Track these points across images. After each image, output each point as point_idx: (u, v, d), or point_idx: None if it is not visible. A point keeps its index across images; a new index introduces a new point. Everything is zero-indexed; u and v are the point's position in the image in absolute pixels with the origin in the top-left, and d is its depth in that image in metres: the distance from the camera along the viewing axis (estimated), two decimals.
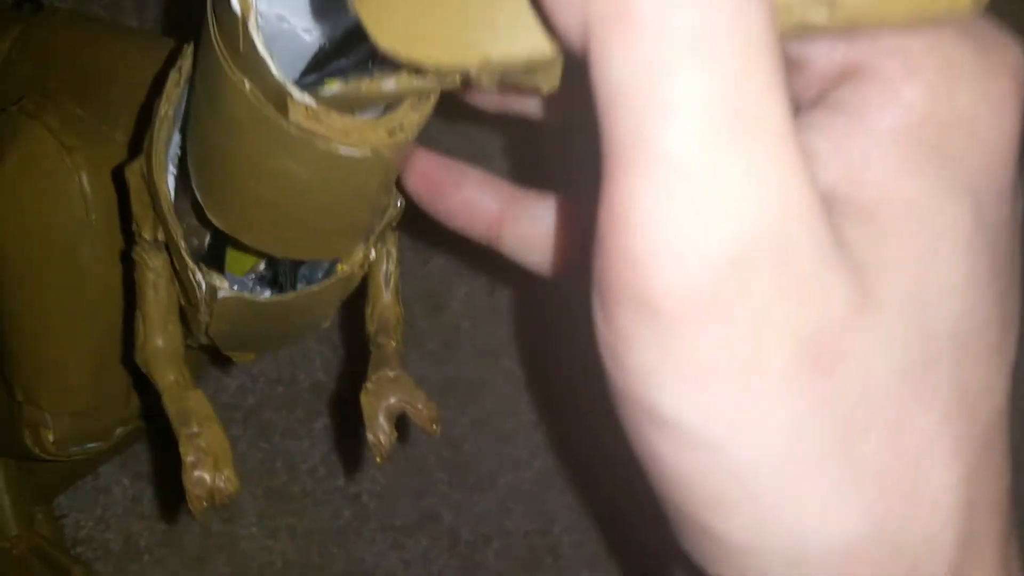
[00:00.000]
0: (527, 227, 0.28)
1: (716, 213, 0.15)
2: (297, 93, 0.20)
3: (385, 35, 0.17)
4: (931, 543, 0.17)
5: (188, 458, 0.25)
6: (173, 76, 0.25)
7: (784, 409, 0.16)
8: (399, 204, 0.27)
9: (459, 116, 0.29)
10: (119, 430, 0.38)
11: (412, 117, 0.21)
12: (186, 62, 0.25)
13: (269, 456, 0.51)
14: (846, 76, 0.18)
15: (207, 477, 0.25)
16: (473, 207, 0.28)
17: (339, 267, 0.26)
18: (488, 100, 0.27)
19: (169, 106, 0.25)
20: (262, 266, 0.28)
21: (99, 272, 0.33)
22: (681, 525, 0.18)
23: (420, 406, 0.27)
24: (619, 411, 0.18)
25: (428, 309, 0.53)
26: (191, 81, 0.25)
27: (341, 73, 0.21)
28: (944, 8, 0.16)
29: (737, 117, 0.14)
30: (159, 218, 0.26)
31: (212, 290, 0.25)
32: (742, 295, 0.15)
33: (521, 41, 0.17)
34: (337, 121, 0.20)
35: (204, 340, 0.28)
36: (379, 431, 0.26)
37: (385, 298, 0.29)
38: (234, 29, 0.20)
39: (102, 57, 0.35)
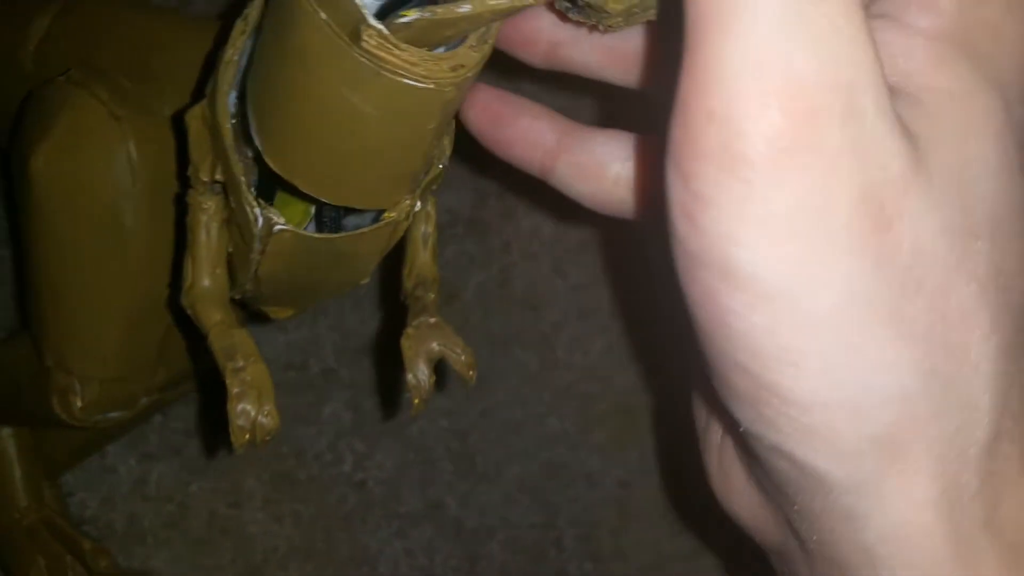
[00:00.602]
0: (581, 157, 0.29)
1: (796, 67, 0.16)
2: (372, 19, 0.21)
3: None
4: (972, 406, 0.18)
5: (234, 390, 0.26)
6: (239, 25, 0.26)
7: (849, 262, 0.17)
8: (443, 164, 0.27)
9: (508, 73, 0.29)
10: (143, 400, 0.38)
11: (473, 56, 0.22)
12: (253, 12, 0.26)
13: (276, 440, 0.50)
14: None
15: (251, 410, 0.26)
16: (530, 137, 0.29)
17: (387, 214, 0.27)
18: (537, 52, 0.28)
19: (235, 52, 0.26)
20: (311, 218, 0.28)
21: (139, 240, 0.34)
22: (744, 392, 0.19)
23: (459, 351, 0.28)
24: (690, 278, 0.18)
25: (440, 299, 0.53)
26: (258, 28, 0.25)
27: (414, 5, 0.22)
28: None
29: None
30: (219, 157, 0.26)
31: (268, 224, 0.26)
32: (816, 146, 0.16)
33: None
34: (406, 53, 0.21)
35: (248, 288, 0.29)
36: (419, 373, 0.28)
37: (423, 256, 0.30)
38: None
39: (147, 34, 0.36)
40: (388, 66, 0.21)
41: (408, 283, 0.30)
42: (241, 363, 0.27)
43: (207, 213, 0.28)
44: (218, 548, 0.49)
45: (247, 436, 0.26)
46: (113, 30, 0.37)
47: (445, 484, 0.53)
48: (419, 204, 0.28)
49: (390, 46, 0.21)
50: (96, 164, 0.34)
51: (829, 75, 0.16)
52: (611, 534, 0.54)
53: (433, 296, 0.29)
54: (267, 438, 0.27)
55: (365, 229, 0.27)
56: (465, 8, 0.20)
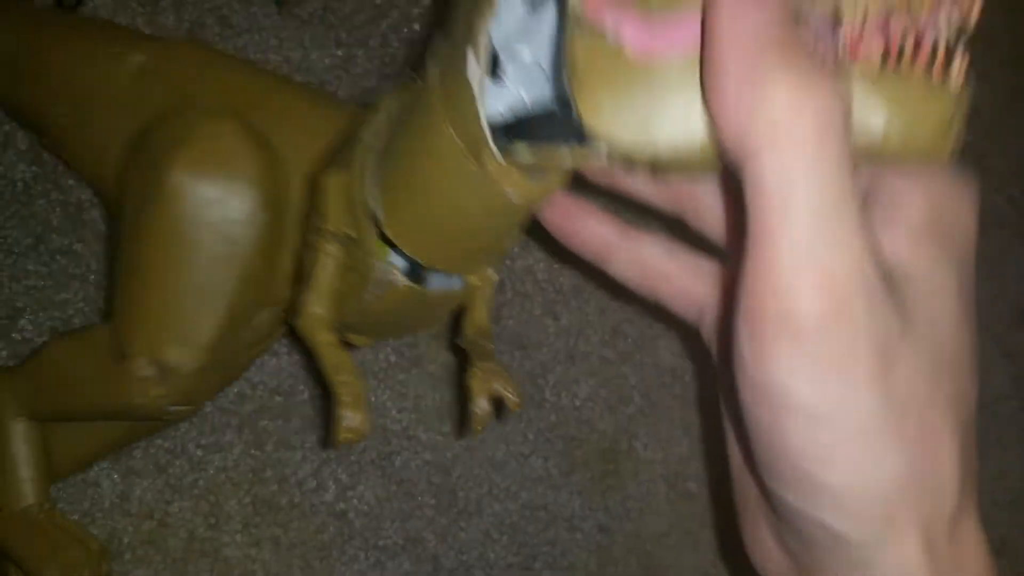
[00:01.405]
0: (633, 254, 0.36)
1: (833, 261, 0.23)
2: (496, 152, 0.27)
3: (591, 113, 0.24)
4: (943, 490, 0.27)
5: (343, 399, 0.33)
6: (380, 115, 0.32)
7: (868, 395, 0.25)
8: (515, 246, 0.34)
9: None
10: (206, 401, 0.44)
11: (557, 182, 0.29)
12: (393, 104, 0.32)
13: (261, 465, 0.51)
14: (874, 181, 0.29)
15: (354, 416, 0.33)
16: (594, 233, 0.36)
17: (470, 278, 0.35)
18: (602, 177, 0.36)
19: (373, 137, 0.32)
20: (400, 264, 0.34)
21: (251, 255, 0.40)
22: (790, 479, 0.27)
23: (512, 392, 0.36)
24: (752, 400, 0.26)
25: (434, 333, 0.54)
26: (395, 119, 0.32)
27: (529, 137, 0.27)
28: (924, 153, 0.25)
29: (836, 207, 0.23)
30: (351, 219, 0.33)
31: (389, 280, 0.33)
32: (846, 316, 0.24)
33: (691, 137, 0.24)
34: (514, 177, 0.28)
35: (351, 320, 0.35)
36: (482, 406, 0.35)
37: (482, 312, 0.37)
38: (462, 98, 0.27)
39: (249, 87, 0.43)
40: (498, 184, 0.28)
41: (468, 331, 0.37)
42: (347, 377, 0.33)
43: (328, 256, 0.34)
44: (195, 569, 0.50)
45: (349, 436, 0.33)
46: (214, 80, 0.43)
47: (425, 519, 0.53)
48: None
49: (504, 171, 0.28)
50: (233, 184, 0.39)
51: (854, 268, 0.24)
52: None
53: (491, 346, 0.37)
54: (362, 440, 0.34)
55: (457, 289, 0.34)
56: (566, 160, 0.27)
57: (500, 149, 0.27)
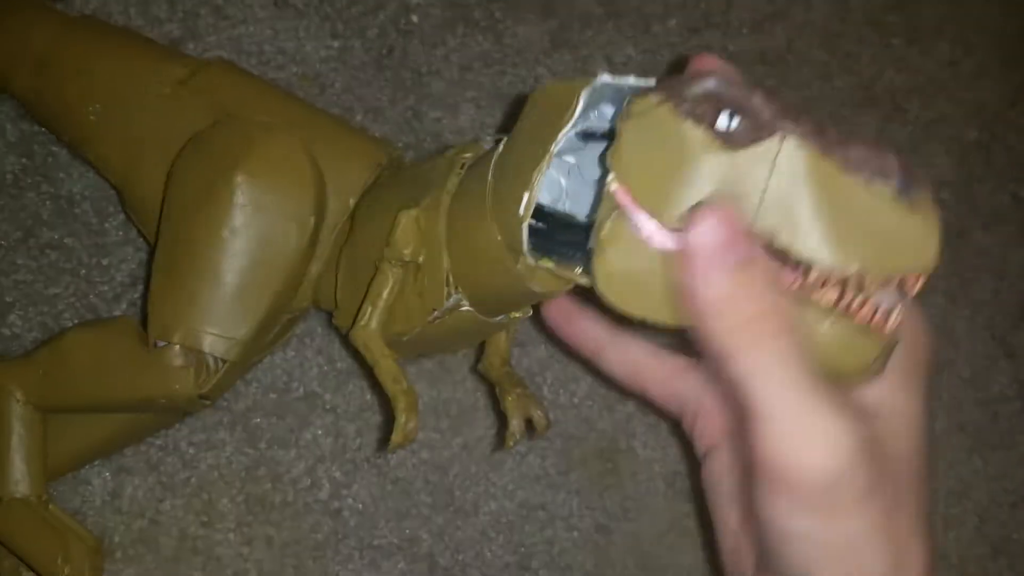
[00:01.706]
0: (622, 354, 0.40)
1: (822, 442, 0.28)
2: (530, 258, 0.32)
3: (603, 280, 0.29)
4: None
5: (401, 405, 0.37)
6: (454, 174, 0.38)
7: (859, 522, 0.29)
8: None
9: None
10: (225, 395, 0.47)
11: (566, 285, 0.34)
12: (467, 157, 0.38)
13: (254, 462, 0.51)
14: None
15: (410, 420, 0.37)
16: (587, 333, 0.40)
17: (512, 314, 0.40)
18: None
19: (444, 194, 0.37)
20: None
21: (295, 259, 0.44)
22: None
23: (542, 416, 0.43)
24: (771, 534, 0.30)
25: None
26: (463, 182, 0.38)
27: (555, 249, 0.32)
28: (855, 374, 0.29)
29: (815, 392, 0.27)
30: (429, 255, 0.38)
31: (457, 304, 0.37)
32: (838, 483, 0.28)
33: (677, 319, 0.29)
34: (539, 275, 0.33)
35: (406, 338, 0.39)
36: (519, 426, 0.42)
37: (506, 342, 0.44)
38: (510, 211, 0.32)
39: (287, 106, 0.47)
40: (525, 278, 0.33)
41: (495, 359, 0.44)
42: (405, 386, 0.38)
43: (393, 277, 0.39)
44: (187, 568, 0.49)
45: (407, 440, 0.38)
46: (254, 98, 0.46)
47: (422, 517, 0.53)
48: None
49: (531, 271, 0.33)
50: (290, 193, 0.43)
51: (843, 445, 0.28)
52: None
53: (517, 374, 0.44)
54: (412, 443, 0.38)
55: (504, 319, 0.40)
56: (582, 281, 0.31)
57: (532, 256, 0.32)
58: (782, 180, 0.27)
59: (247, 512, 0.50)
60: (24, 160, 0.49)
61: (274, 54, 0.54)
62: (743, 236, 0.27)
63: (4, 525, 0.43)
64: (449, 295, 0.37)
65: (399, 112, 0.56)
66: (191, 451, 0.50)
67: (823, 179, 0.26)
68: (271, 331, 0.45)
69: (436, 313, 0.38)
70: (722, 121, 0.27)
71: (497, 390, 0.45)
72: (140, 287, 0.51)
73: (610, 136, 0.29)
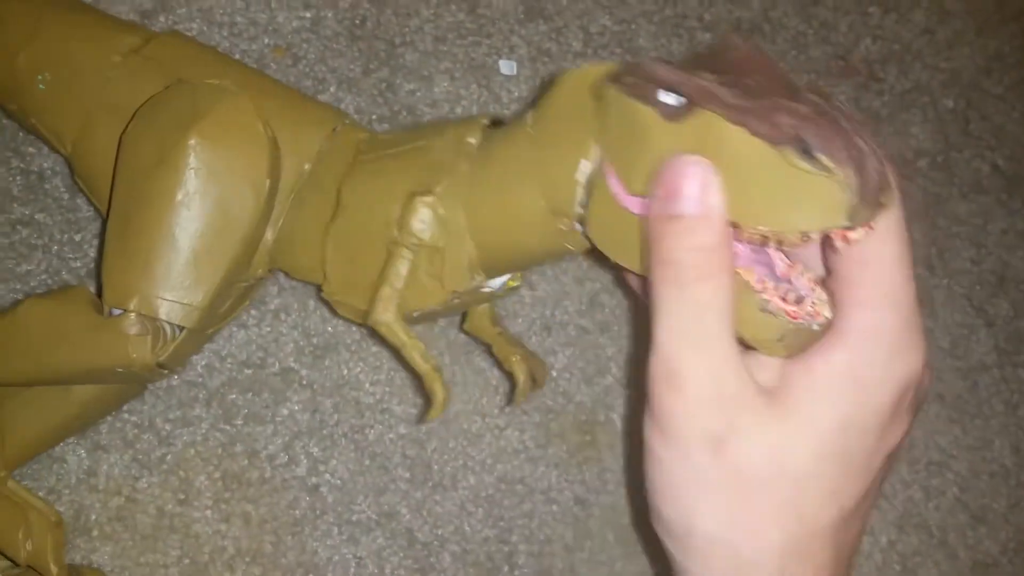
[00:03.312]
0: None
1: (716, 428, 0.32)
2: (576, 223, 0.36)
3: (600, 241, 0.36)
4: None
5: (436, 384, 0.42)
6: (468, 150, 0.41)
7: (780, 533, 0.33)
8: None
9: None
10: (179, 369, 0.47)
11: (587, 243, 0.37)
12: (479, 140, 0.41)
13: (231, 439, 0.52)
14: None
15: (444, 394, 0.42)
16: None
17: (510, 282, 0.44)
18: None
19: (464, 168, 0.41)
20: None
21: (251, 221, 0.44)
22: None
23: (543, 374, 0.50)
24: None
25: None
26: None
27: None
28: (763, 346, 0.32)
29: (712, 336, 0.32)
30: (446, 238, 0.41)
31: (478, 286, 0.42)
32: (726, 442, 0.31)
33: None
34: (578, 237, 0.37)
35: (416, 316, 0.43)
36: (526, 386, 0.48)
37: (492, 303, 0.49)
38: (562, 174, 0.36)
39: (240, 74, 0.48)
40: (565, 240, 0.37)
41: (484, 320, 0.49)
42: (434, 362, 0.42)
43: (408, 261, 0.42)
44: (164, 545, 0.50)
45: (441, 410, 0.42)
46: (206, 66, 0.47)
47: (400, 492, 0.54)
48: None
49: (573, 233, 0.37)
50: (245, 156, 0.44)
51: (722, 408, 0.31)
52: (565, 551, 0.56)
53: (510, 332, 0.50)
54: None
55: (502, 289, 0.44)
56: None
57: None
58: (708, 149, 0.30)
59: (224, 489, 0.51)
60: None
61: (246, 25, 0.55)
62: (688, 203, 0.30)
63: None
64: (472, 278, 0.41)
65: (372, 84, 0.57)
66: (167, 428, 0.51)
67: (737, 145, 0.29)
68: (228, 299, 0.46)
69: (456, 294, 0.42)
70: (664, 98, 0.31)
71: (494, 349, 0.49)
72: None
73: None
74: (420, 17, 0.58)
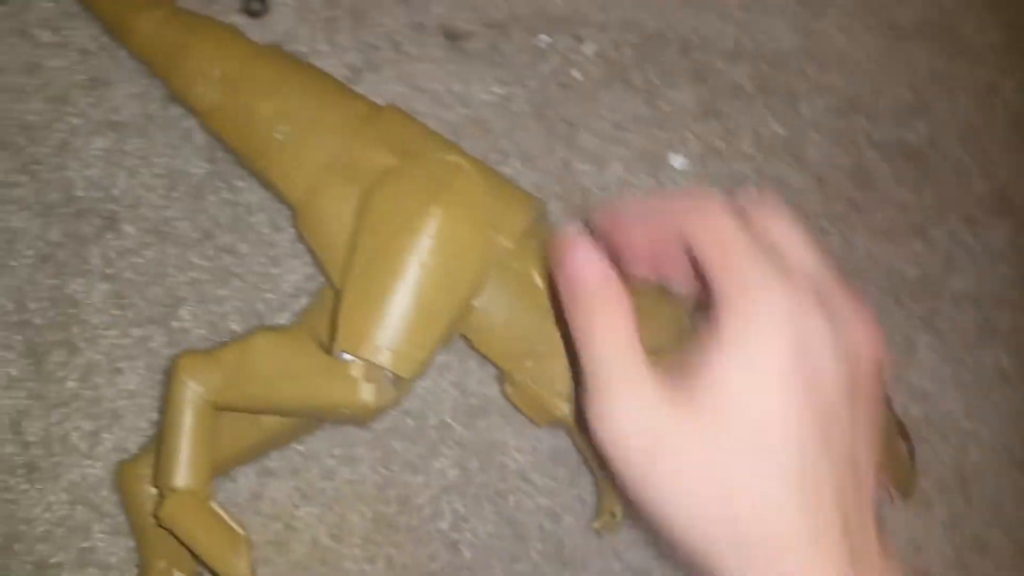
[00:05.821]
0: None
1: (627, 400, 0.35)
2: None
3: None
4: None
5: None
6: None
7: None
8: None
9: None
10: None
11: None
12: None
13: (386, 482, 0.56)
14: None
15: None
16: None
17: None
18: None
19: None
20: None
21: (473, 286, 0.51)
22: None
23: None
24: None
25: None
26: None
27: None
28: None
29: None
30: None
31: None
32: (658, 441, 0.34)
33: None
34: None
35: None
36: (620, 514, 0.57)
37: None
38: None
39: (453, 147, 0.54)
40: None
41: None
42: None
43: None
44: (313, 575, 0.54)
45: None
46: (428, 139, 0.53)
47: (531, 563, 0.57)
48: None
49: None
50: (472, 226, 0.50)
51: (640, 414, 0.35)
52: None
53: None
54: None
55: None
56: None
57: None
58: None
59: (374, 530, 0.55)
60: (208, 165, 0.55)
61: (444, 94, 0.60)
62: (588, 253, 0.36)
63: (174, 515, 0.47)
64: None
65: (551, 162, 0.62)
66: (331, 463, 0.55)
67: None
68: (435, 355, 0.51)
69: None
70: None
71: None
72: (303, 299, 0.56)
73: None
74: (601, 103, 0.64)
